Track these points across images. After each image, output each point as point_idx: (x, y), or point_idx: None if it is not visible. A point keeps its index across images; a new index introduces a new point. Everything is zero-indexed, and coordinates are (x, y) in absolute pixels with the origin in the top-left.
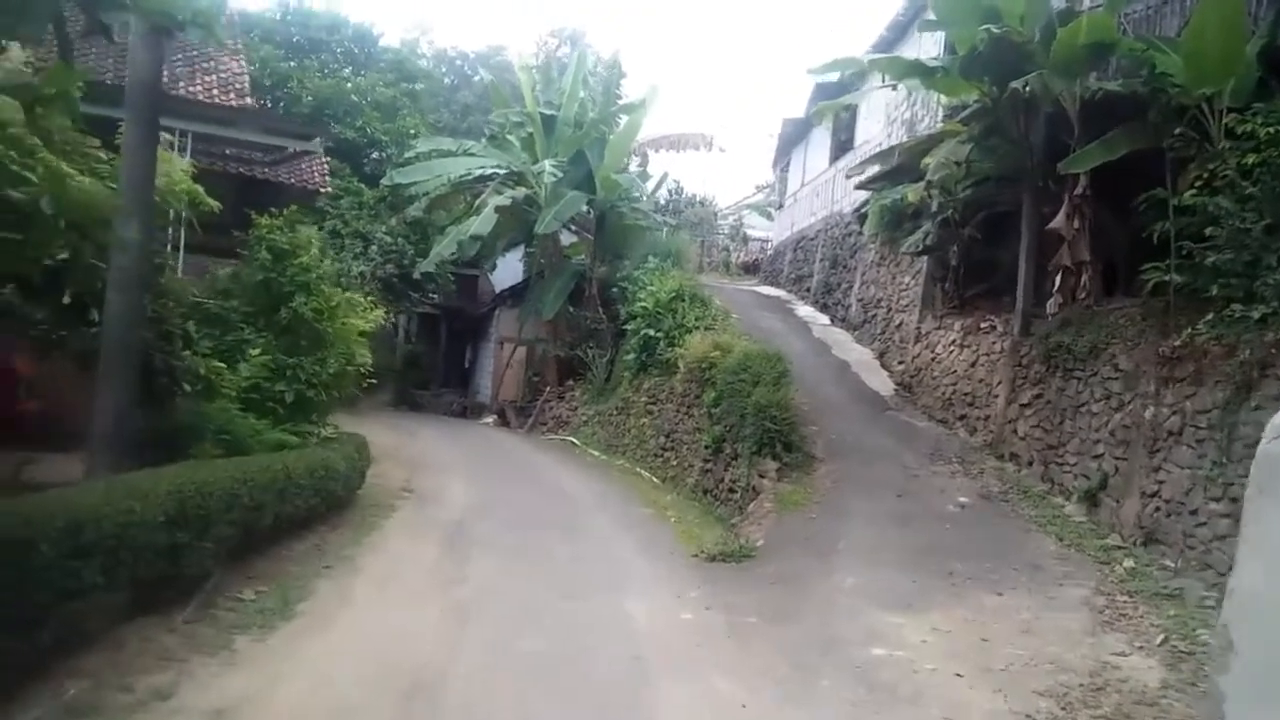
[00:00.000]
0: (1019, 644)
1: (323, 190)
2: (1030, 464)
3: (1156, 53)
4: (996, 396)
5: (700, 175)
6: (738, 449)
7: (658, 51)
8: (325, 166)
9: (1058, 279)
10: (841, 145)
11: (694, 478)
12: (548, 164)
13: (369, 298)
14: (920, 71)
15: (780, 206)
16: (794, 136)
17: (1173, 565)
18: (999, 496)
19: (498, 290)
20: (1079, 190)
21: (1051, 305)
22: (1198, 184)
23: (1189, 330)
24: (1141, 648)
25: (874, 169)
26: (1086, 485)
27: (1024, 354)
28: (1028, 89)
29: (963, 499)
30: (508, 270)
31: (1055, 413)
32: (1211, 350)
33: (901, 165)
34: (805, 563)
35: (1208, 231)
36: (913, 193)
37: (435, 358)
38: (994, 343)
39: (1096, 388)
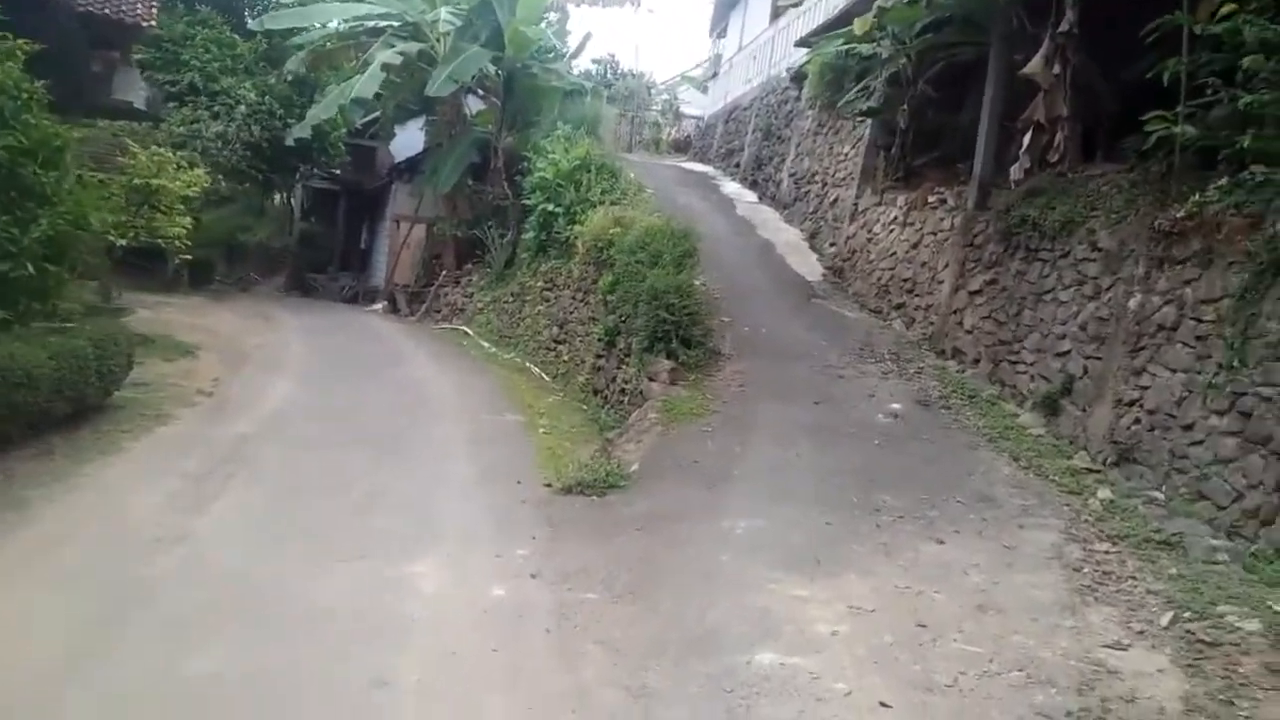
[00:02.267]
0: (971, 632)
1: (145, 24)
2: (977, 362)
3: None
4: (941, 283)
5: (636, 50)
6: (631, 344)
7: None
8: None
9: (1026, 139)
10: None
11: (584, 375)
12: (444, 11)
13: (230, 163)
14: None
15: (714, 76)
16: None
17: (1161, 495)
18: (939, 403)
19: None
20: (1063, 27)
21: (1016, 171)
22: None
23: (1197, 197)
24: (1143, 633)
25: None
26: (1046, 389)
27: (978, 231)
28: None
29: (895, 406)
30: (412, 142)
31: (1011, 302)
32: (1228, 223)
33: (853, 11)
34: (687, 496)
35: (1246, 63)
36: (859, 26)
37: (334, 237)
38: (942, 219)
39: (1067, 271)
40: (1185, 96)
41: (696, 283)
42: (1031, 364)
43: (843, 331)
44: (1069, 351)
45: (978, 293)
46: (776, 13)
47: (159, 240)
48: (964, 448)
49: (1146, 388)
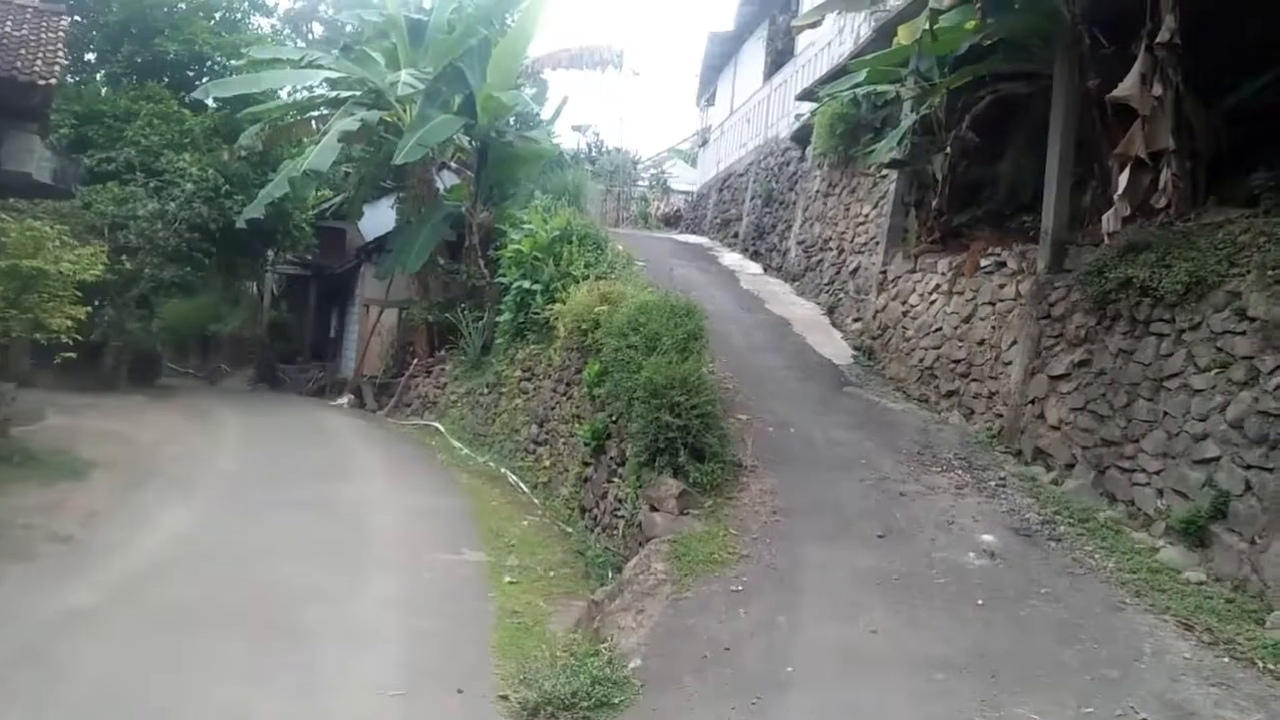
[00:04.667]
0: None
1: (44, 82)
2: (1071, 467)
3: None
4: (1008, 364)
5: (620, 123)
6: (625, 451)
7: None
8: (60, 51)
9: (1122, 180)
10: (779, 56)
11: (569, 487)
12: (405, 74)
13: (171, 245)
14: None
15: (704, 144)
16: (722, 57)
17: None
18: (1043, 530)
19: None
20: (1163, 36)
21: (1112, 221)
22: None
23: None
24: None
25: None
26: (1187, 510)
27: (1055, 300)
28: None
29: (987, 538)
30: (384, 221)
31: (1116, 389)
32: None
33: (861, 53)
34: None
35: None
36: (905, 34)
37: (305, 326)
38: (1001, 286)
39: (1200, 349)
40: None
41: (707, 370)
42: (1157, 473)
43: (889, 429)
44: (1217, 458)
45: (1063, 377)
46: (772, 69)
47: (46, 334)
48: (1105, 608)
49: None
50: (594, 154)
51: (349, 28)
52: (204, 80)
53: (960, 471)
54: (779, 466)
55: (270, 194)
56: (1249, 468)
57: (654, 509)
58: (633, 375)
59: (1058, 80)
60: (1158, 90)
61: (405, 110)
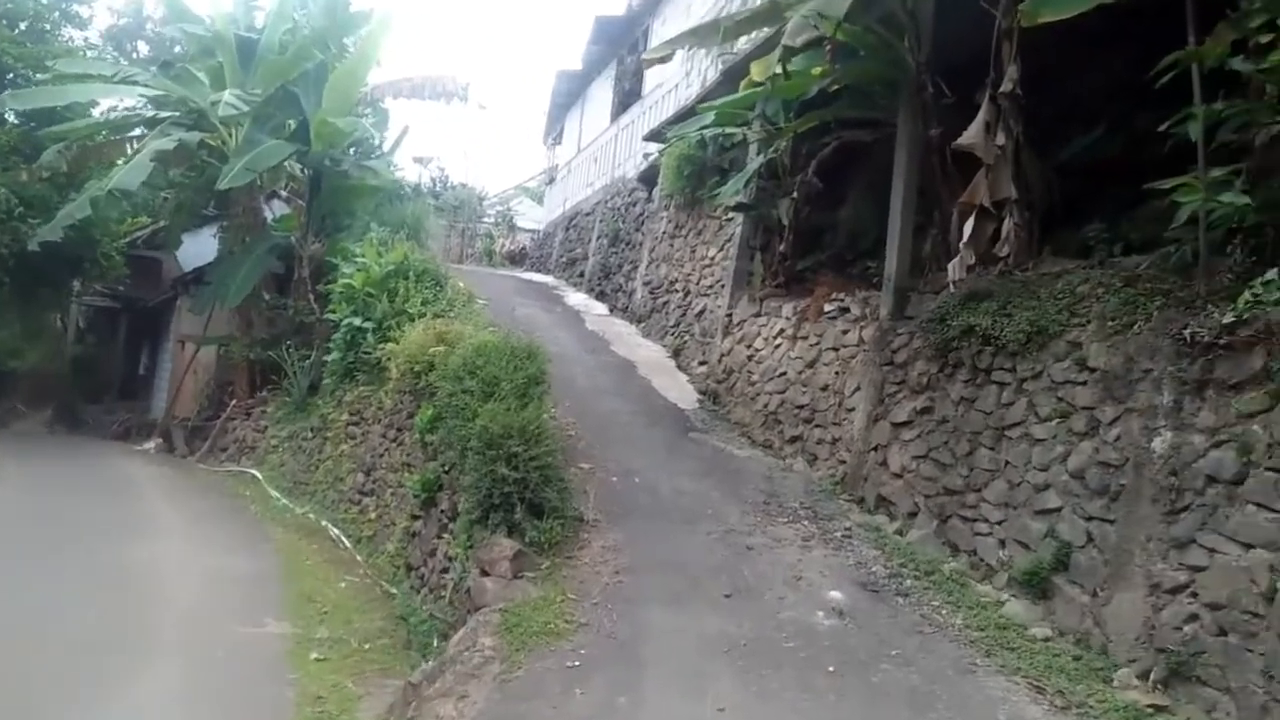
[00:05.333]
0: None
1: None
2: (914, 516)
3: None
4: (851, 410)
5: (465, 157)
6: (457, 504)
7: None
8: None
9: (967, 228)
10: (626, 97)
11: (395, 543)
12: (229, 95)
13: None
14: None
15: (551, 182)
16: (570, 95)
17: None
18: (889, 585)
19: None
20: (1005, 86)
21: (955, 269)
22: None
23: (1249, 295)
24: None
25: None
26: (1029, 561)
27: (898, 346)
28: None
29: (835, 594)
30: (205, 252)
31: (957, 437)
32: None
33: (709, 97)
34: None
35: None
36: (758, 71)
37: (114, 362)
38: (845, 332)
39: (1042, 398)
40: (1204, 158)
41: (548, 416)
42: (999, 523)
43: (736, 477)
44: (1059, 509)
45: (906, 424)
46: (620, 109)
47: None
48: (957, 670)
49: (1201, 568)
50: (438, 188)
51: (178, 48)
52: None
53: (806, 522)
54: (623, 520)
55: (70, 215)
56: (1090, 519)
57: (485, 573)
58: (467, 423)
59: (902, 128)
60: (1001, 140)
61: (231, 133)
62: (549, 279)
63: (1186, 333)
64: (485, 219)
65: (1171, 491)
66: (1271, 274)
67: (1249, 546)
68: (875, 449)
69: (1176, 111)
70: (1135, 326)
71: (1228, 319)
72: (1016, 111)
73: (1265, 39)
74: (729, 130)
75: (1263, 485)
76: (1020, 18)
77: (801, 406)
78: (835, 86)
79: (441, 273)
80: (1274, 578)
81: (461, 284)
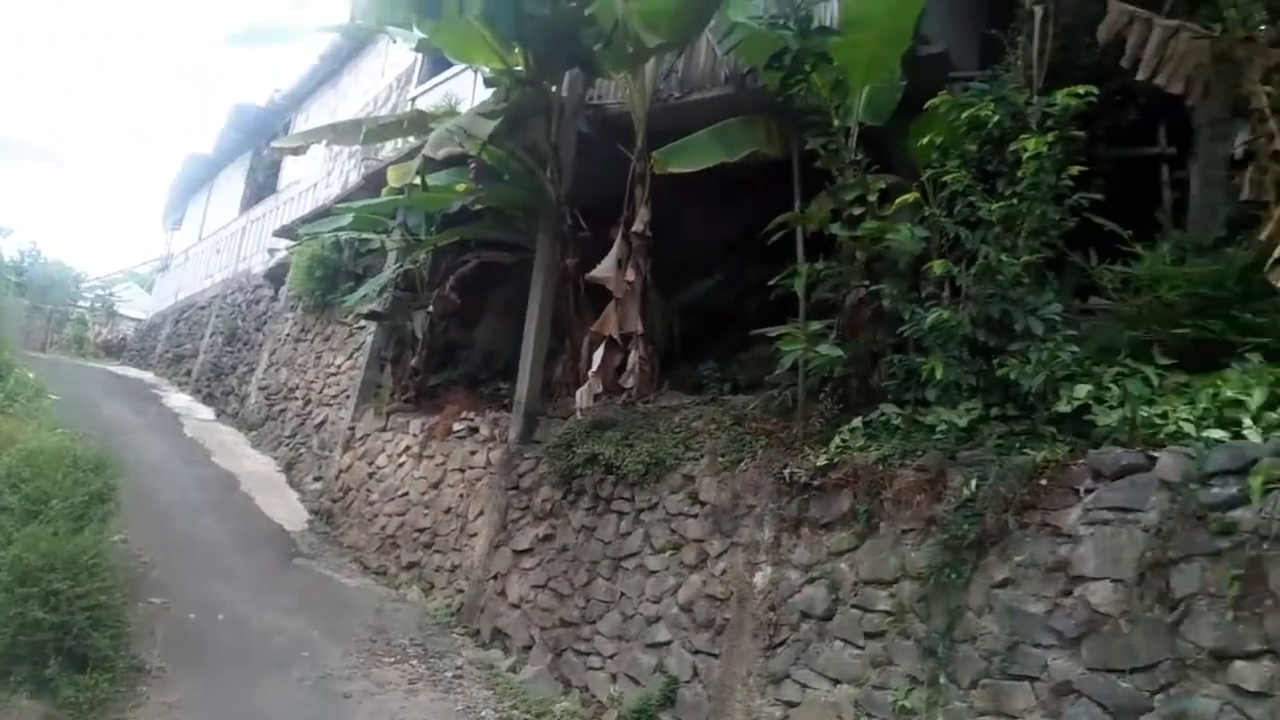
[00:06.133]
0: None
1: None
2: (529, 649)
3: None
4: (474, 536)
5: (63, 237)
6: None
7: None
8: None
9: (596, 357)
10: (260, 189)
11: None
12: None
13: None
14: (423, 7)
15: (165, 269)
16: (197, 180)
17: None
18: None
19: None
20: (637, 226)
21: (583, 397)
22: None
23: (840, 440)
24: None
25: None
26: (637, 698)
27: (524, 471)
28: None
29: None
30: None
31: (577, 567)
32: (898, 477)
33: (350, 199)
34: None
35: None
36: (395, 176)
37: None
38: (473, 452)
39: (657, 529)
40: (806, 315)
41: (117, 540)
42: (611, 656)
43: (341, 611)
44: (668, 642)
45: (528, 552)
46: (252, 200)
47: None
48: None
49: (794, 704)
50: (25, 263)
51: None
52: None
53: (415, 661)
54: (196, 668)
55: None
56: (697, 652)
57: None
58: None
59: (540, 254)
60: (631, 276)
61: None
62: (148, 375)
63: (786, 472)
64: (80, 303)
65: (770, 626)
66: (857, 422)
67: (836, 682)
68: (495, 577)
69: (783, 267)
70: (742, 464)
71: (821, 461)
72: (646, 251)
73: (857, 211)
74: (367, 235)
75: (849, 621)
76: (653, 165)
77: (422, 530)
78: (479, 206)
79: (4, 359)
80: (858, 713)
81: (32, 375)
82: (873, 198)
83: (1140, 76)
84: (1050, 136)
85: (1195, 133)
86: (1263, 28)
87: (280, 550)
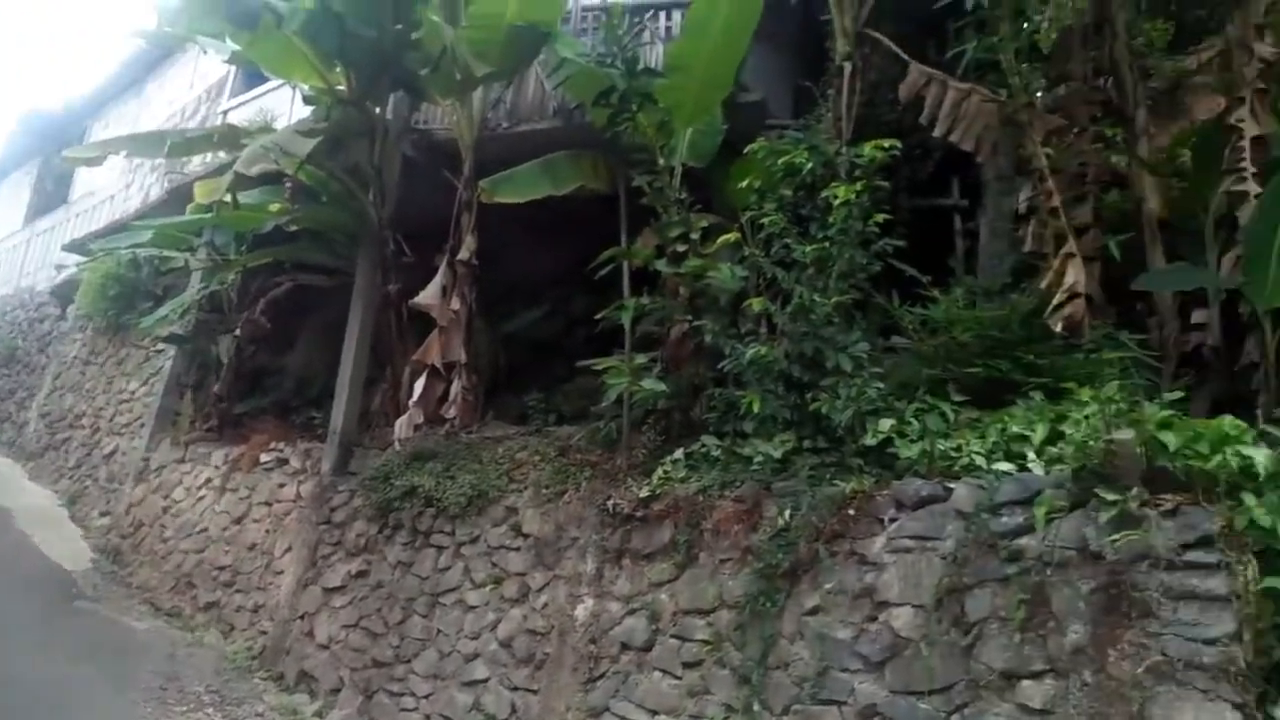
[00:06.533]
0: None
1: None
2: (336, 692)
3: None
4: (280, 573)
5: None
6: None
7: None
8: None
9: (418, 386)
10: (49, 199)
11: None
12: None
13: None
14: (241, 18)
15: None
16: None
17: None
18: None
19: None
20: (463, 254)
21: (402, 427)
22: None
23: (662, 472)
24: None
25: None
26: None
27: (337, 504)
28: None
29: None
30: None
31: (392, 604)
32: (716, 508)
33: (148, 214)
34: None
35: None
36: (202, 192)
37: None
38: (282, 485)
39: (478, 563)
40: (631, 348)
41: None
42: (426, 696)
43: (129, 656)
44: (486, 680)
45: (339, 589)
46: (39, 211)
47: None
48: None
49: None
50: None
51: None
52: None
53: (211, 709)
54: None
55: None
56: (515, 689)
57: None
58: None
59: (360, 279)
60: (456, 305)
61: None
62: None
63: (609, 504)
64: None
65: (590, 659)
66: (679, 453)
67: (654, 713)
68: (302, 617)
69: (610, 300)
70: (566, 495)
71: (643, 493)
72: (472, 280)
73: (681, 248)
74: (169, 253)
75: (668, 652)
76: (480, 193)
77: (223, 568)
78: (294, 226)
79: None
80: None
81: None
82: (695, 236)
83: (937, 133)
84: (858, 185)
85: (984, 187)
86: (1040, 95)
87: (59, 592)
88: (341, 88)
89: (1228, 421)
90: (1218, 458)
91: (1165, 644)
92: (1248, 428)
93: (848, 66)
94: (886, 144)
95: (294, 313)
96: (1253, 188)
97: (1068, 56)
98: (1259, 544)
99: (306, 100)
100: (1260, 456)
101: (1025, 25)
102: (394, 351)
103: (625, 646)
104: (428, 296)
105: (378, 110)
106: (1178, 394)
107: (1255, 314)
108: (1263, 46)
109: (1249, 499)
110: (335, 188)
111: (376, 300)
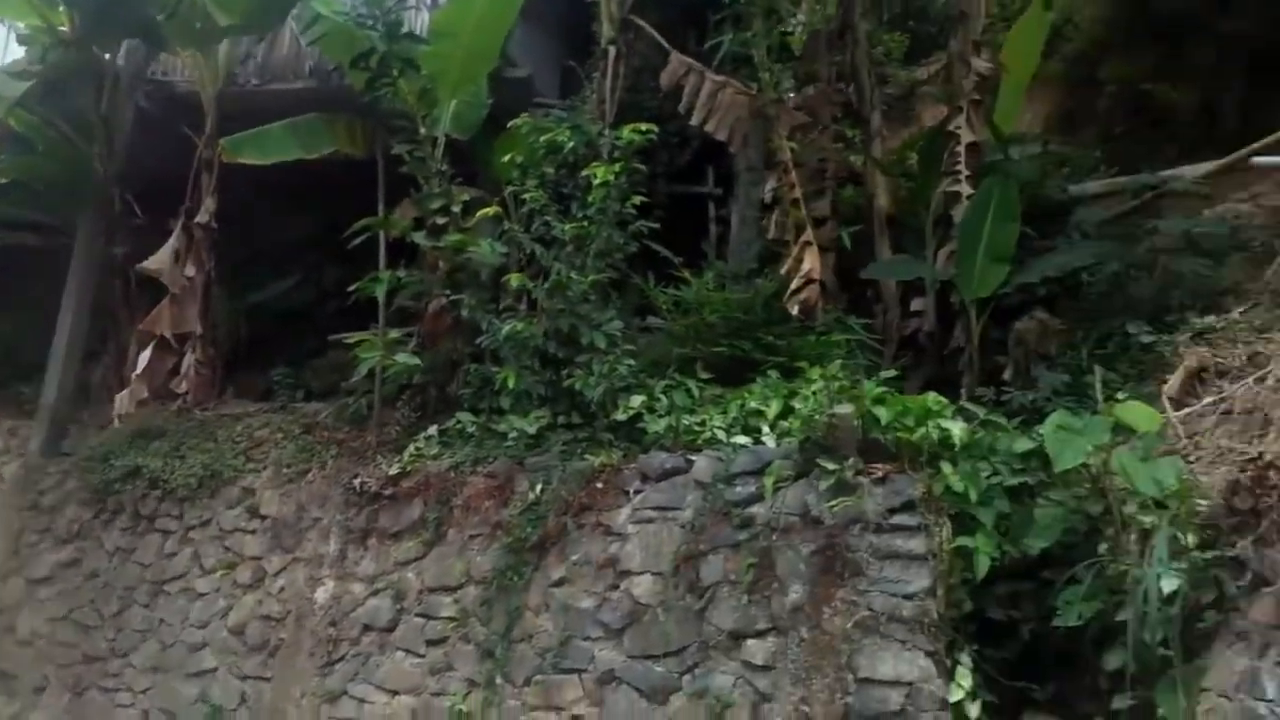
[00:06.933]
0: None
1: None
2: (41, 691)
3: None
4: None
5: None
6: None
7: None
8: None
9: (143, 359)
10: None
11: None
12: None
13: None
14: None
15: None
16: None
17: None
18: None
19: None
20: (201, 217)
21: (123, 403)
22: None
23: (414, 449)
24: None
25: None
26: None
27: (47, 488)
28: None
29: None
30: None
31: (108, 595)
32: (467, 484)
33: None
34: None
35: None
36: None
37: None
38: None
39: (208, 548)
40: (385, 321)
41: None
42: (144, 691)
43: None
44: (214, 670)
45: (46, 580)
46: None
47: None
48: None
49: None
50: None
51: None
52: None
53: None
54: None
55: None
56: (246, 678)
57: None
58: None
59: (81, 240)
60: (191, 271)
61: None
62: None
63: (356, 482)
64: None
65: (329, 643)
66: (432, 430)
67: (395, 693)
68: (1, 613)
69: (365, 271)
70: (310, 474)
71: (394, 470)
72: (210, 244)
73: (441, 220)
74: None
75: (412, 631)
76: (221, 152)
77: None
78: (1, 179)
79: None
80: None
81: None
82: (456, 209)
83: (694, 122)
84: (617, 167)
85: (736, 177)
86: (792, 95)
87: None
88: (64, 29)
89: (931, 398)
90: (921, 430)
91: (871, 600)
92: (949, 403)
93: (612, 50)
94: (644, 128)
95: (5, 275)
96: (966, 189)
97: (815, 58)
98: (954, 507)
99: (20, 40)
100: (957, 429)
101: (778, 25)
102: (119, 321)
103: (367, 628)
104: (158, 261)
105: (107, 56)
106: (893, 373)
107: (964, 303)
108: (979, 61)
109: (946, 467)
110: (52, 136)
111: (100, 264)
